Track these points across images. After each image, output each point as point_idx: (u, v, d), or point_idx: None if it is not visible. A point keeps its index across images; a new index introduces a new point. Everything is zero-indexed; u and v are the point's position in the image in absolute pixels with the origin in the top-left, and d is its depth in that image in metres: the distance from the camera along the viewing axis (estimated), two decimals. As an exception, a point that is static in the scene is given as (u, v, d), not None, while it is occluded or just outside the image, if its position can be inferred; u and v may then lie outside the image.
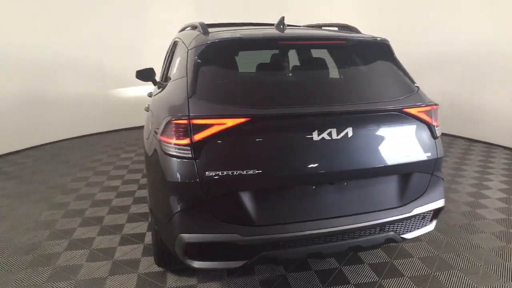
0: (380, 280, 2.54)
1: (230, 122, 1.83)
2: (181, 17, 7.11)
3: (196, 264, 1.97)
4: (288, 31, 2.37)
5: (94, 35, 6.49)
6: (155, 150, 2.08)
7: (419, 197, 2.16)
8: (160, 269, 2.68)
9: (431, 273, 2.62)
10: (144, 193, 4.07)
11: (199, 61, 2.08)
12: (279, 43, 2.21)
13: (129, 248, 2.97)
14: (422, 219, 2.22)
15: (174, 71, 2.51)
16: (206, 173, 1.83)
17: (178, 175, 1.87)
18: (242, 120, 1.84)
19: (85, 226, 3.35)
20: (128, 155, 5.54)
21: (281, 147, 1.90)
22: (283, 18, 2.50)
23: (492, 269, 2.65)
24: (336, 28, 2.79)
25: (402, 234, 2.19)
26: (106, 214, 3.59)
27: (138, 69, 4.11)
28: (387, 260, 2.76)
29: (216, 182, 1.84)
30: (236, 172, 1.83)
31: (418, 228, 2.24)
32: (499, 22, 5.50)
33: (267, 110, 1.89)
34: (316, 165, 1.91)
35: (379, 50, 2.29)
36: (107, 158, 5.37)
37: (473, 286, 2.46)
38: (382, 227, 2.08)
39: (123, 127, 7.20)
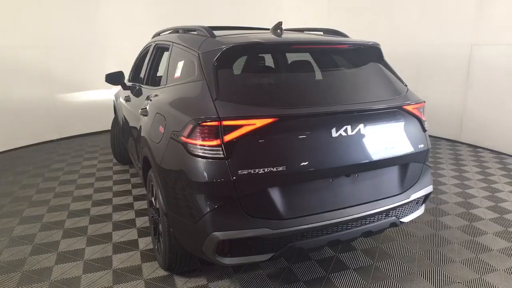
0: (375, 263, 2.79)
1: (259, 123, 1.93)
2: (134, 18, 6.96)
3: (227, 260, 2.03)
4: (291, 36, 2.52)
5: (41, 36, 6.06)
6: (175, 153, 2.10)
7: (414, 184, 2.43)
8: (166, 273, 2.67)
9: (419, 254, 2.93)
10: (122, 200, 3.96)
11: (217, 64, 2.14)
12: (291, 47, 2.34)
13: (126, 256, 2.91)
14: (416, 203, 2.49)
15: (176, 74, 2.53)
16: (239, 171, 1.91)
17: (211, 175, 1.92)
18: (270, 120, 1.94)
19: (69, 237, 3.20)
20: (90, 162, 5.29)
21: (304, 144, 2.04)
22: (280, 23, 2.64)
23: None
24: (321, 32, 2.99)
25: (401, 218, 2.44)
26: (88, 224, 3.45)
27: (107, 73, 4.05)
28: (376, 245, 3.03)
29: (247, 180, 1.92)
30: (266, 170, 1.94)
31: (412, 212, 2.51)
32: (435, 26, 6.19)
33: (292, 110, 2.02)
34: (335, 159, 2.08)
35: (373, 53, 2.52)
36: (69, 167, 5.09)
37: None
38: (387, 212, 2.30)
39: (77, 134, 6.82)
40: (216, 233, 1.95)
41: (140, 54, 4.14)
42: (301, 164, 2.00)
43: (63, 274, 2.68)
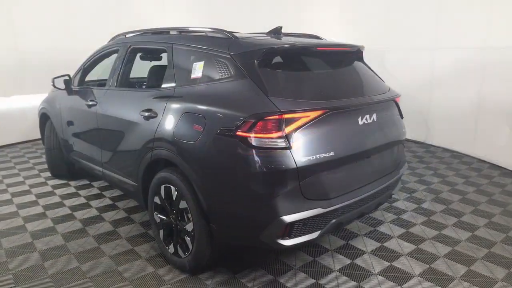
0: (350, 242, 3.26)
1: (312, 114, 2.17)
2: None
3: (288, 242, 2.20)
4: (302, 39, 2.80)
5: None
6: (228, 147, 2.18)
7: (400, 162, 2.97)
8: (184, 275, 2.65)
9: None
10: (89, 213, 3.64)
11: (259, 63, 2.30)
12: (317, 49, 2.62)
13: (133, 266, 2.77)
14: (399, 179, 3.04)
15: (195, 74, 2.56)
16: (302, 159, 2.12)
17: (278, 164, 2.08)
18: (321, 112, 2.20)
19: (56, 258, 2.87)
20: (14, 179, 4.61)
21: (343, 131, 2.36)
22: (280, 27, 2.90)
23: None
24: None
25: (392, 192, 2.96)
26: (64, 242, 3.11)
27: (54, 77, 3.76)
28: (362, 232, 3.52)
29: (307, 166, 2.14)
30: (321, 156, 2.19)
31: (396, 187, 3.05)
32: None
33: (334, 103, 2.30)
34: (362, 144, 2.46)
35: (359, 55, 2.97)
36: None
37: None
38: (388, 186, 2.79)
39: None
40: (284, 217, 2.12)
41: (93, 57, 3.87)
42: (343, 149, 2.32)
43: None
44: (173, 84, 2.72)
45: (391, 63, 6.24)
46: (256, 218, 2.19)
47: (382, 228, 3.34)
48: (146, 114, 2.78)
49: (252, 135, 2.11)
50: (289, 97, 2.21)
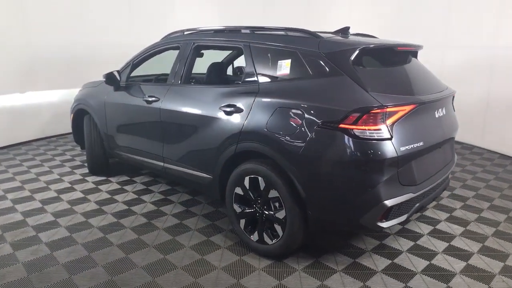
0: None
1: (407, 108, 2.40)
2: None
3: (385, 224, 2.43)
4: (364, 39, 2.99)
5: None
6: (330, 139, 2.37)
7: (453, 154, 3.25)
8: (270, 261, 2.81)
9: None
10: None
11: (354, 61, 2.49)
12: (398, 49, 2.82)
13: (217, 254, 2.90)
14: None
15: (281, 71, 2.72)
16: (401, 148, 2.34)
17: (382, 153, 2.29)
18: (413, 106, 2.43)
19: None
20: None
21: (427, 123, 2.60)
22: (348, 27, 3.10)
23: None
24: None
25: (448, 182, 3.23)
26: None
27: (106, 73, 3.84)
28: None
29: (404, 155, 2.37)
30: (414, 145, 2.42)
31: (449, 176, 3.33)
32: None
33: (421, 97, 2.54)
34: (439, 134, 2.71)
35: (416, 54, 3.19)
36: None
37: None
38: (448, 175, 3.06)
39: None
40: (386, 202, 2.34)
41: (144, 54, 3.92)
42: (428, 139, 2.56)
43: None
44: (256, 81, 2.86)
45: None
46: (359, 203, 2.39)
47: (412, 226, 3.62)
48: (229, 109, 2.91)
49: (357, 127, 2.30)
50: (385, 92, 2.42)
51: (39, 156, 5.46)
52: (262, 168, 2.71)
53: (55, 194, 4.06)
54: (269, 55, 2.88)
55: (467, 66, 5.88)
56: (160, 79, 4.57)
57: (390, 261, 2.82)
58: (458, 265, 2.78)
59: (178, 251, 2.96)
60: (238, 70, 4.78)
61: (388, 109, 2.32)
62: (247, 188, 2.85)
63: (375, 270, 2.71)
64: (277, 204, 2.72)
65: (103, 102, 4.21)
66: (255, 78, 2.88)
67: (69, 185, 4.32)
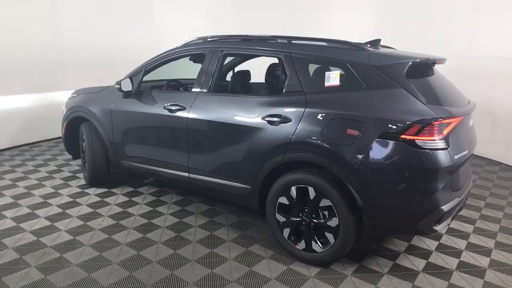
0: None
1: (458, 119, 2.57)
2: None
3: (438, 227, 2.60)
4: (393, 51, 3.13)
5: None
6: (390, 149, 2.47)
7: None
8: (317, 268, 2.86)
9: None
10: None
11: (407, 74, 2.62)
12: (437, 63, 2.98)
13: (264, 265, 2.89)
14: None
15: (331, 82, 2.77)
16: (455, 156, 2.51)
17: (441, 162, 2.43)
18: (461, 117, 2.62)
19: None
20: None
21: (465, 133, 2.78)
22: (379, 40, 3.23)
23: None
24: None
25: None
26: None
27: (119, 80, 3.66)
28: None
29: (457, 163, 2.54)
30: (462, 154, 2.61)
31: None
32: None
33: (463, 109, 2.72)
34: (472, 143, 2.93)
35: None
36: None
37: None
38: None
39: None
40: (442, 207, 2.50)
41: (158, 61, 3.77)
42: (468, 148, 2.76)
43: None
44: (301, 91, 2.89)
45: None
46: (418, 209, 2.52)
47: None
48: (274, 119, 2.90)
49: (419, 138, 2.43)
50: (436, 104, 2.57)
51: (19, 168, 5.01)
52: (313, 178, 2.75)
53: (60, 210, 3.76)
54: (315, 65, 2.92)
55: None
56: (171, 86, 4.40)
57: (426, 261, 3.01)
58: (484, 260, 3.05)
59: (223, 264, 2.90)
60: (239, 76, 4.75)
61: (445, 121, 2.48)
62: (294, 197, 2.87)
63: (417, 271, 2.87)
64: (326, 213, 2.78)
65: (109, 110, 3.98)
66: (300, 89, 2.91)
67: (71, 199, 4.03)
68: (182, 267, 2.85)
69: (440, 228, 2.64)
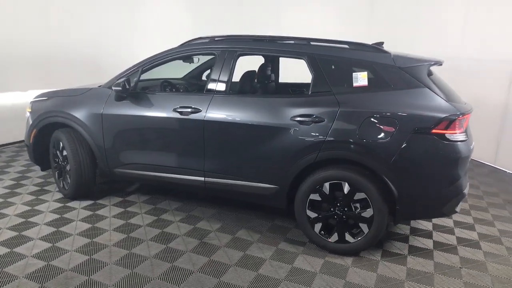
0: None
1: (468, 115, 2.97)
2: None
3: (457, 208, 2.97)
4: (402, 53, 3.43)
5: None
6: (424, 143, 2.76)
7: None
8: (350, 258, 3.05)
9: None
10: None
11: (429, 75, 2.93)
12: (441, 64, 3.30)
13: (300, 260, 2.98)
14: None
15: (359, 82, 2.94)
16: (470, 147, 2.91)
17: (465, 152, 2.79)
18: (470, 113, 3.02)
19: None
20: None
21: (469, 127, 3.22)
22: (382, 42, 3.51)
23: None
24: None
25: None
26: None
27: (115, 82, 3.46)
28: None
29: (471, 152, 2.94)
30: (473, 145, 3.02)
31: None
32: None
33: (470, 106, 3.11)
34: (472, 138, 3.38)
35: None
36: None
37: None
38: None
39: None
40: (464, 191, 2.88)
41: (157, 61, 3.55)
42: (472, 140, 3.18)
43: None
44: (330, 91, 3.02)
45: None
46: (447, 195, 2.86)
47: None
48: (305, 119, 2.99)
49: (448, 131, 2.76)
50: (454, 101, 2.93)
51: (-32, 185, 4.26)
52: (348, 174, 2.92)
53: (54, 229, 3.35)
54: (336, 66, 3.08)
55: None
56: (165, 86, 4.15)
57: (432, 240, 3.40)
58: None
59: (263, 264, 2.92)
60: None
61: (465, 116, 2.85)
62: (326, 193, 3.01)
63: (430, 249, 3.25)
64: (358, 205, 2.97)
65: (98, 114, 3.63)
66: (328, 89, 3.04)
67: (57, 215, 3.60)
68: (226, 272, 2.79)
69: (458, 209, 3.03)
